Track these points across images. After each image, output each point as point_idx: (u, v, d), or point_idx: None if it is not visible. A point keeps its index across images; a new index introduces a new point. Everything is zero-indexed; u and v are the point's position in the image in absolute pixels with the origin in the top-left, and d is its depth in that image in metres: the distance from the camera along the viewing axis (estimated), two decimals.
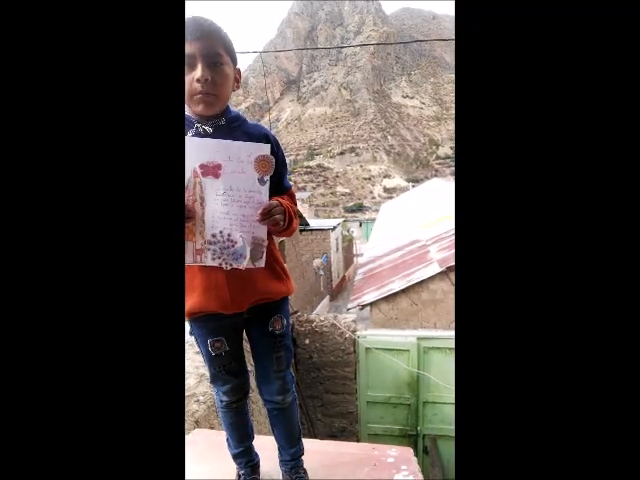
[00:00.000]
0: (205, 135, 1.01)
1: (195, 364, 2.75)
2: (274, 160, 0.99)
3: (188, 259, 0.97)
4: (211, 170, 0.95)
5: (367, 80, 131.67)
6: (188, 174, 0.94)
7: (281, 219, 1.02)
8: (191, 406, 2.34)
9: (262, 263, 1.02)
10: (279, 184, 1.10)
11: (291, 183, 1.19)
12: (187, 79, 0.96)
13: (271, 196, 1.02)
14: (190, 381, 2.58)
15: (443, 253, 6.97)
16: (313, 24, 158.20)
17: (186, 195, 0.95)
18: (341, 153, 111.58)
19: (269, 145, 0.99)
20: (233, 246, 0.98)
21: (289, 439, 1.26)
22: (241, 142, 0.98)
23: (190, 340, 3.26)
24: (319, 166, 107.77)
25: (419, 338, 4.46)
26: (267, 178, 0.98)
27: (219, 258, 0.98)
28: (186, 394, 2.43)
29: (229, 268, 1.00)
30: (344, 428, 4.81)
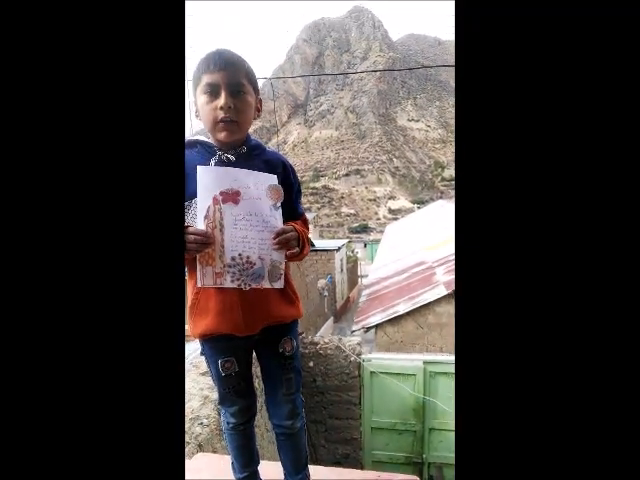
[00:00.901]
0: (228, 163, 1.06)
1: (200, 386, 2.72)
2: (282, 189, 1.06)
3: (208, 282, 1.01)
4: (231, 197, 1.00)
5: (373, 104, 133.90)
6: (209, 201, 0.99)
7: (294, 245, 1.06)
8: (195, 429, 2.31)
9: (281, 284, 1.07)
10: (294, 210, 1.15)
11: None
12: (210, 107, 1.02)
13: (286, 221, 1.07)
14: (194, 403, 2.55)
15: (449, 275, 6.91)
16: (321, 50, 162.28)
17: (206, 222, 0.99)
18: (346, 175, 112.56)
19: (276, 176, 1.06)
20: (252, 267, 1.02)
21: (296, 465, 1.25)
22: (256, 171, 1.04)
23: (195, 361, 3.23)
24: (324, 187, 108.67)
25: (425, 362, 4.39)
26: (279, 204, 1.05)
27: (238, 280, 1.02)
28: (190, 417, 2.40)
29: (248, 288, 1.03)
30: (347, 455, 4.69)
